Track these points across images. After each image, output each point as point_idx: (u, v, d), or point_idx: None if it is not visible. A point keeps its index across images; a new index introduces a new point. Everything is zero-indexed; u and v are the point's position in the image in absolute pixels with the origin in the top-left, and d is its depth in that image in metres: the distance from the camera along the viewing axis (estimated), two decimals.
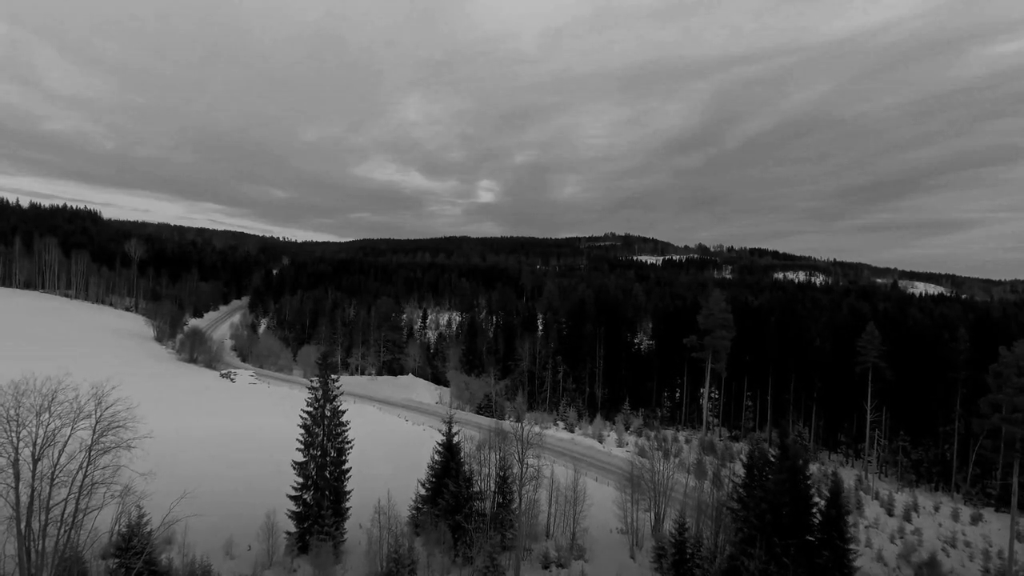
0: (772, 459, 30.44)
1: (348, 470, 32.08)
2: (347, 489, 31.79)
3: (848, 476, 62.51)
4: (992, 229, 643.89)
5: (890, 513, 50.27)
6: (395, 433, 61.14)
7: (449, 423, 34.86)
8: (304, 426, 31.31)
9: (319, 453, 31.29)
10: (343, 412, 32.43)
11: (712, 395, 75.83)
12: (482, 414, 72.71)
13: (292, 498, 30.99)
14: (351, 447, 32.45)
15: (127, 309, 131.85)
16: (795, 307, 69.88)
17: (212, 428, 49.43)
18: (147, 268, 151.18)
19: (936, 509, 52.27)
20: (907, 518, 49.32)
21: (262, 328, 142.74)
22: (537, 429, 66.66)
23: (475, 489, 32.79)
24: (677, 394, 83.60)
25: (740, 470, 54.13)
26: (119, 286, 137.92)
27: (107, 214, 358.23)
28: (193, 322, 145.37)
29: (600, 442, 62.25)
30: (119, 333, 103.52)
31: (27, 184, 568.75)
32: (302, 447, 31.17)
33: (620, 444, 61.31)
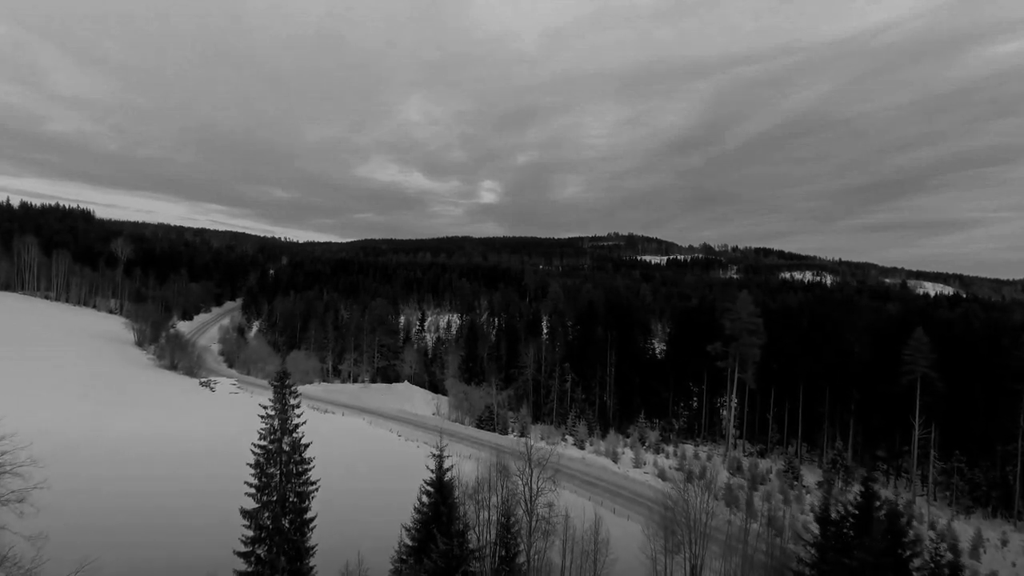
0: (855, 511, 23.81)
1: (311, 520, 25.57)
2: (310, 544, 25.28)
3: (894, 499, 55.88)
4: (993, 229, 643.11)
5: (954, 549, 43.56)
6: (385, 451, 54.61)
7: (440, 455, 28.22)
8: (256, 464, 24.85)
9: (275, 499, 24.82)
10: (306, 446, 25.96)
11: (733, 405, 69.10)
12: (483, 428, 66.24)
13: (241, 555, 24.57)
14: (316, 489, 25.96)
15: (111, 311, 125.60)
16: (828, 310, 63.29)
17: (166, 448, 42.96)
18: (134, 268, 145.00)
19: (1004, 543, 45.54)
20: (974, 555, 42.69)
21: (253, 331, 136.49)
22: (543, 445, 59.85)
23: (471, 545, 26.17)
24: (694, 403, 76.90)
25: (791, 508, 47.35)
26: (103, 287, 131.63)
27: (111, 215, 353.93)
28: (181, 325, 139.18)
29: (615, 461, 55.66)
30: (96, 337, 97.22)
31: (30, 185, 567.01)
32: (252, 491, 24.69)
33: (637, 464, 54.72)
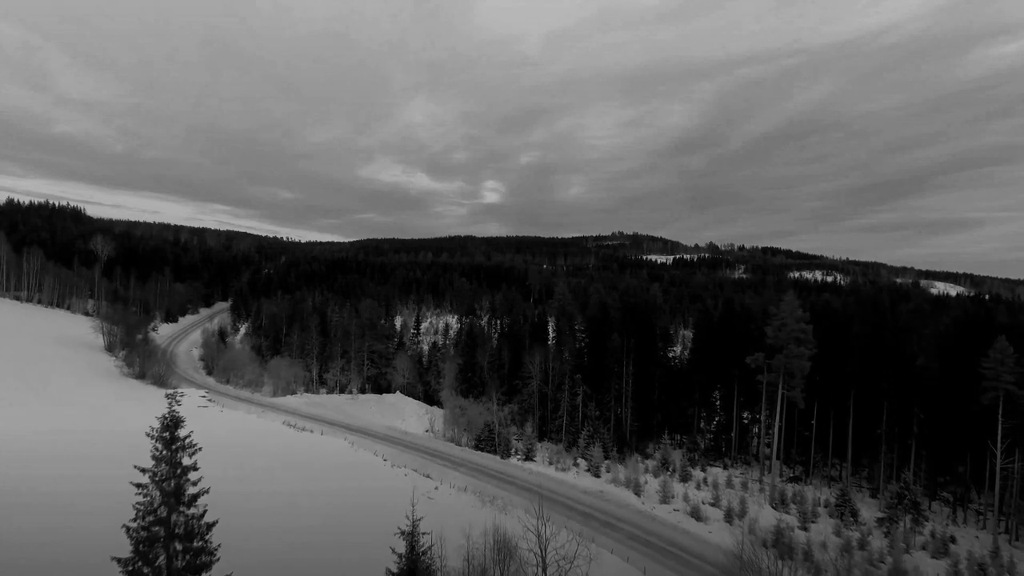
0: None
1: None
2: None
3: (966, 539, 47.16)
4: (995, 229, 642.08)
5: None
6: (368, 482, 45.81)
7: (412, 530, 19.48)
8: (133, 556, 16.35)
9: None
10: (211, 525, 17.46)
11: (774, 424, 60.42)
12: (482, 449, 57.80)
13: None
14: None
15: (86, 314, 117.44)
16: (883, 315, 54.69)
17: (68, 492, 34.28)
18: (115, 267, 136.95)
19: None
20: None
21: (240, 335, 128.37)
22: (552, 472, 50.74)
23: None
24: (720, 419, 68.22)
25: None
26: (80, 288, 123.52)
27: (114, 215, 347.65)
28: (164, 327, 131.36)
29: (637, 494, 47.09)
30: (63, 342, 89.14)
31: (35, 186, 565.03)
32: None
33: (665, 497, 46.08)
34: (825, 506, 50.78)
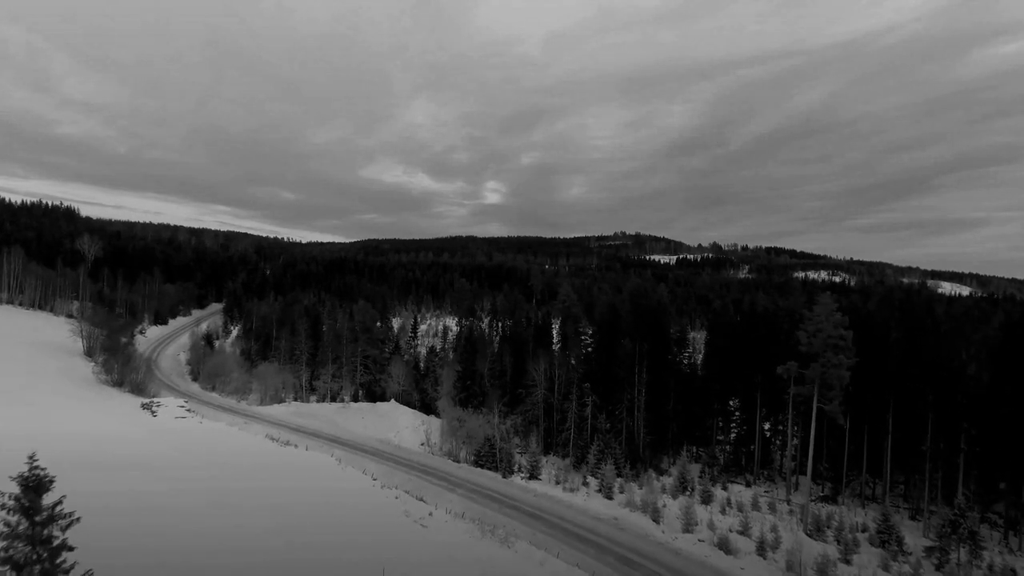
0: None
1: None
2: None
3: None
4: (997, 228, 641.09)
5: None
6: (354, 509, 40.68)
7: None
8: None
9: None
10: None
11: (807, 437, 55.43)
12: (482, 466, 52.82)
13: None
14: None
15: (70, 316, 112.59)
16: (921, 319, 49.67)
17: None
18: (102, 268, 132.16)
19: None
20: None
21: (231, 338, 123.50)
22: (559, 493, 45.67)
23: None
24: (741, 430, 63.13)
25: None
26: (65, 289, 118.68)
27: (118, 216, 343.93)
28: (153, 330, 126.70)
29: (656, 521, 42.01)
30: (39, 346, 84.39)
31: (37, 187, 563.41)
32: None
33: (687, 525, 41.01)
34: (863, 531, 45.75)
